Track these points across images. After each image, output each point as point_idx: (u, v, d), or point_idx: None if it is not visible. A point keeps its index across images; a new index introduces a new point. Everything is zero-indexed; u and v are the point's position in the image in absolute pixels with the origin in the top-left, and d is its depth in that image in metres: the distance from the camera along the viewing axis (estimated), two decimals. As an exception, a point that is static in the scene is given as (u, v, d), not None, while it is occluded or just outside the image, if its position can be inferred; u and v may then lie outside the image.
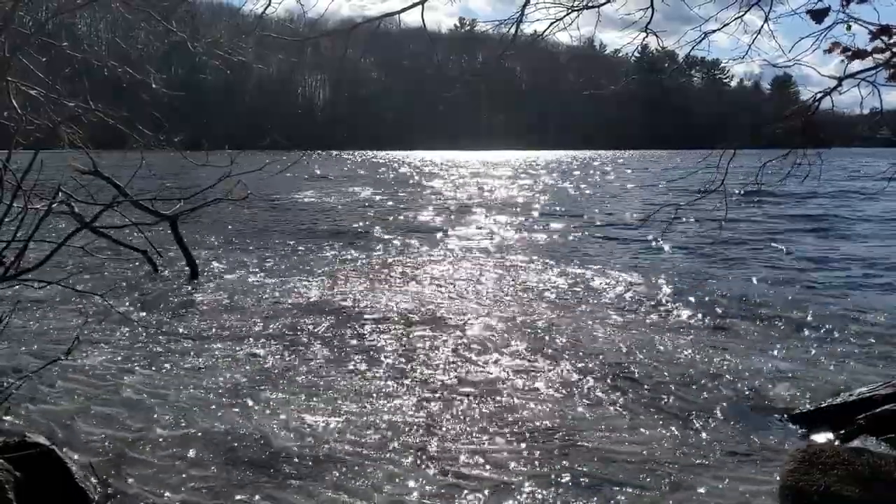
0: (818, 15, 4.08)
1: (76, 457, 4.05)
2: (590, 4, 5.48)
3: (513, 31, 5.64)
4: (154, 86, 6.52)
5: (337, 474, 4.02)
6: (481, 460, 4.22)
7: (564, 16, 5.50)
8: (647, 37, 5.68)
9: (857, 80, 4.59)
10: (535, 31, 5.93)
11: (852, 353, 6.52)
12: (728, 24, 5.34)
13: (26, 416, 4.77)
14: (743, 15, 5.26)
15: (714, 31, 5.42)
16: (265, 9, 5.67)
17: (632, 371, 5.95)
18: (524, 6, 5.47)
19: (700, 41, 5.43)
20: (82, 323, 6.71)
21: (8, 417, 4.63)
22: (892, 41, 3.83)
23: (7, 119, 5.41)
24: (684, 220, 16.43)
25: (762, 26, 5.17)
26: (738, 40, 5.28)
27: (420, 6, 5.61)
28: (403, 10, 5.77)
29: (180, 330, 7.09)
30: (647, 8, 5.55)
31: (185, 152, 7.85)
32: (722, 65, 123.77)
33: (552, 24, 5.55)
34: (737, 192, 5.44)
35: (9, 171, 4.32)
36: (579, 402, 5.22)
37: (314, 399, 5.16)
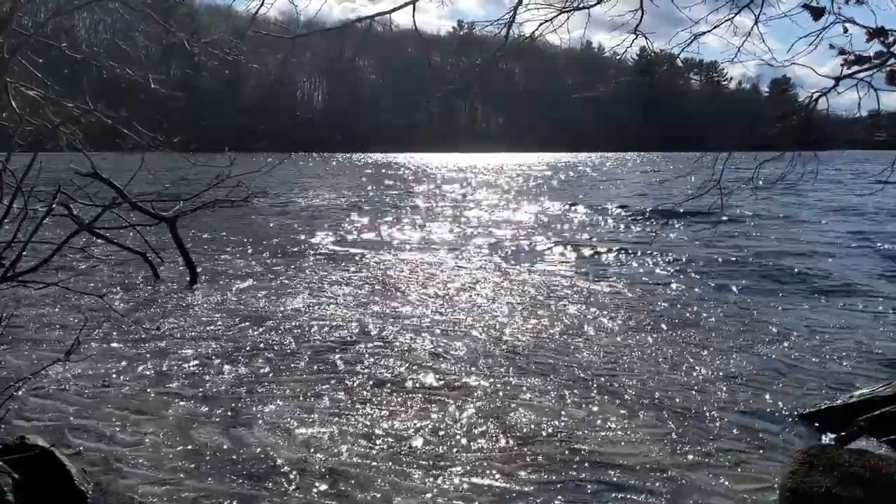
0: (816, 12, 4.08)
1: (74, 458, 4.03)
2: (580, 6, 5.49)
3: (505, 32, 5.65)
4: (153, 86, 6.52)
5: (339, 486, 3.98)
6: (483, 468, 4.20)
7: (554, 17, 5.51)
8: (636, 38, 5.69)
9: (855, 81, 4.59)
10: (530, 31, 5.95)
11: (852, 354, 6.53)
12: (718, 26, 5.34)
13: (26, 418, 4.76)
14: (733, 17, 5.26)
15: (704, 34, 5.42)
16: (258, 10, 5.69)
17: (630, 374, 5.95)
18: (516, 7, 5.48)
19: (690, 43, 5.43)
20: (82, 325, 6.69)
21: (7, 419, 4.61)
22: (889, 41, 3.83)
23: (6, 120, 5.41)
24: (679, 222, 16.46)
25: (752, 28, 5.17)
26: (728, 42, 5.28)
27: (411, 6, 5.62)
28: (394, 9, 5.79)
29: (179, 334, 7.07)
30: (637, 10, 5.56)
31: (184, 154, 7.86)
32: (719, 67, 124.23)
33: (541, 24, 5.56)
34: (732, 193, 5.43)
35: (8, 171, 4.32)
36: (578, 406, 5.22)
37: (314, 409, 5.11)
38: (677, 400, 5.33)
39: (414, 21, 6.03)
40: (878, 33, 3.86)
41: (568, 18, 5.46)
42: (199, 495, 3.81)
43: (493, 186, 34.90)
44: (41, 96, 5.99)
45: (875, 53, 3.94)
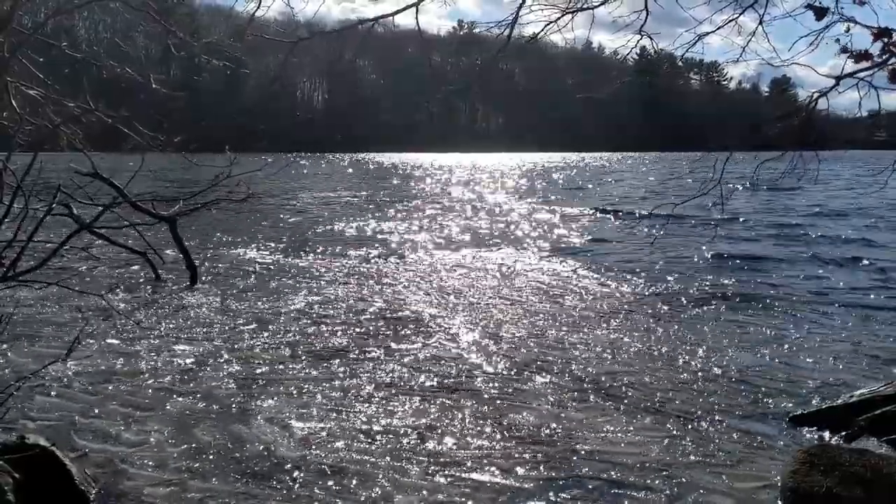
0: (819, 12, 4.09)
1: (75, 458, 4.02)
2: (584, 6, 5.48)
3: (507, 33, 5.64)
4: (154, 86, 6.52)
5: (341, 483, 3.98)
6: (484, 466, 4.20)
7: (558, 18, 5.50)
8: (640, 39, 5.68)
9: (856, 80, 4.58)
10: (532, 32, 5.95)
11: (851, 354, 6.52)
12: (722, 26, 5.33)
13: (26, 417, 4.76)
14: (737, 17, 5.25)
15: (708, 34, 5.42)
16: (255, 11, 5.70)
17: (630, 374, 5.94)
18: (519, 8, 5.47)
19: (694, 43, 5.43)
20: (82, 324, 6.68)
21: (9, 418, 4.60)
22: (892, 41, 3.83)
23: (7, 120, 5.40)
24: (679, 223, 16.44)
25: (756, 29, 5.16)
26: (733, 42, 5.27)
27: (414, 8, 5.62)
28: (397, 11, 5.78)
29: (180, 333, 7.07)
30: (642, 10, 5.55)
31: (184, 154, 7.86)
32: (720, 66, 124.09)
33: (546, 25, 5.56)
34: (734, 193, 5.43)
35: (9, 171, 4.32)
36: (578, 406, 5.22)
37: (316, 408, 5.10)
38: (677, 400, 5.33)
39: (417, 22, 6.01)
40: (882, 33, 3.86)
41: (572, 19, 5.45)
42: (203, 495, 3.81)
43: (492, 186, 34.91)
44: (41, 96, 5.99)
45: (879, 51, 3.94)
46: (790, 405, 5.20)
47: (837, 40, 4.08)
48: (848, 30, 4.09)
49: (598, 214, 20.58)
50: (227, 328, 7.26)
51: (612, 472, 4.12)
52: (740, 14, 5.22)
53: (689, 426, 4.82)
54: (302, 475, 4.05)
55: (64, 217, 8.29)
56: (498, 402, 5.24)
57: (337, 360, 6.19)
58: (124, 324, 7.13)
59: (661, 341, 6.92)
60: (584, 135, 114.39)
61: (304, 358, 6.27)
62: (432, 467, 4.17)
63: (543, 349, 6.63)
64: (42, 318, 7.49)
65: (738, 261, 11.87)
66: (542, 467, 4.19)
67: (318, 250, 13.01)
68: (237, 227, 16.12)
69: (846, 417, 4.71)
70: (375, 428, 4.73)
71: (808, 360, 6.36)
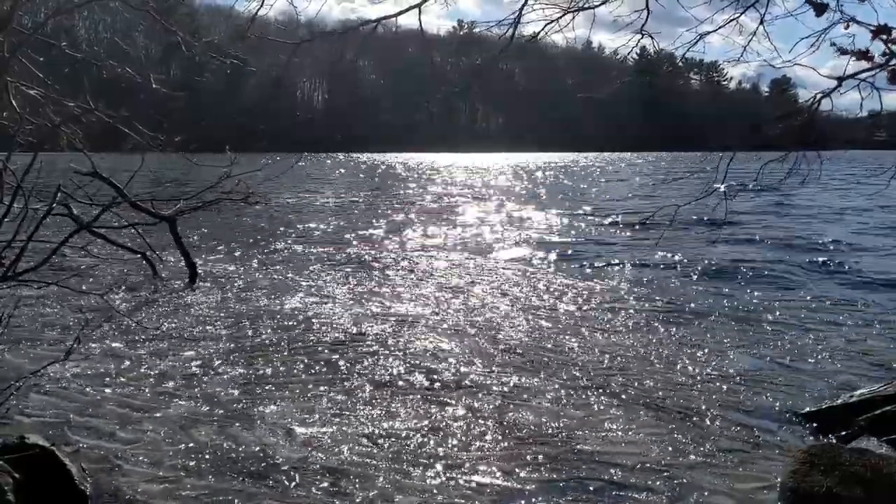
0: (819, 8, 4.08)
1: (69, 452, 4.02)
2: (585, 6, 5.48)
3: (510, 32, 5.64)
4: (154, 86, 6.52)
5: (339, 484, 3.97)
6: (483, 468, 4.19)
7: (559, 17, 5.50)
8: (641, 38, 5.68)
9: (857, 81, 4.58)
10: (533, 32, 5.95)
11: (851, 354, 6.52)
12: (723, 25, 5.34)
13: (25, 417, 4.75)
14: (738, 17, 5.25)
15: (709, 33, 5.42)
16: (257, 10, 5.70)
17: (630, 374, 5.94)
18: (521, 7, 5.47)
19: (695, 43, 5.43)
20: (82, 324, 6.68)
21: (8, 416, 4.61)
22: (891, 38, 3.83)
23: (7, 119, 5.40)
24: (681, 223, 16.44)
25: (757, 28, 5.16)
26: (734, 42, 5.28)
27: (417, 9, 5.62)
28: (400, 12, 5.80)
29: (179, 334, 7.06)
30: (643, 10, 5.56)
31: (184, 154, 7.86)
32: (720, 66, 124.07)
33: (547, 24, 5.56)
34: (737, 193, 5.42)
35: (9, 171, 4.32)
36: (579, 407, 5.21)
37: (314, 408, 5.09)
38: (677, 399, 5.32)
39: (420, 23, 6.01)
40: (881, 31, 3.85)
41: (573, 18, 5.46)
42: (199, 493, 3.81)
43: (492, 187, 34.90)
44: (41, 95, 6.00)
45: (881, 52, 3.94)
46: (790, 405, 5.20)
47: (833, 44, 4.08)
48: (847, 27, 4.09)
49: (598, 216, 20.56)
50: (225, 328, 7.26)
51: (613, 473, 4.12)
52: (741, 14, 5.22)
53: (689, 425, 4.82)
54: (300, 475, 4.04)
55: (64, 217, 8.29)
56: (498, 401, 5.24)
57: (336, 361, 6.19)
58: (124, 323, 7.12)
59: (660, 342, 6.92)
60: (584, 135, 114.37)
61: (303, 358, 6.27)
62: (432, 468, 4.17)
63: (543, 349, 6.62)
64: (42, 318, 7.49)
65: (737, 262, 11.85)
66: (542, 468, 4.19)
67: (315, 250, 13.01)
68: (236, 227, 16.12)
69: (846, 417, 4.71)
70: (375, 429, 4.72)
71: (807, 360, 6.35)
